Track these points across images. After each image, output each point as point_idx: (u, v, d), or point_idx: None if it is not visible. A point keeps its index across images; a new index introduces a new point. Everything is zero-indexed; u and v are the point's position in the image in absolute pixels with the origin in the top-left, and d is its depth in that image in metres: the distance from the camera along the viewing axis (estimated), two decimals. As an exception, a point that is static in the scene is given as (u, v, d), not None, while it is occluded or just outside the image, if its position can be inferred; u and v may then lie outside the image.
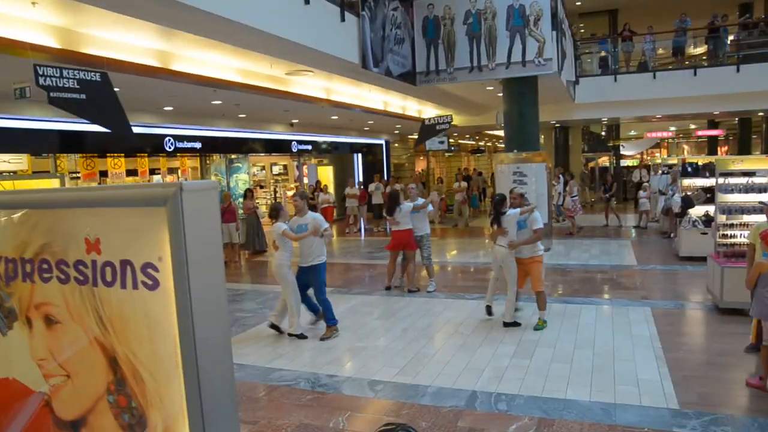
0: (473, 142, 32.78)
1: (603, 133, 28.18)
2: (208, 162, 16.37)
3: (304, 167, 21.22)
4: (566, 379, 5.53)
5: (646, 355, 6.04)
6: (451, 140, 28.43)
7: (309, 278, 7.34)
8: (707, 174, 10.87)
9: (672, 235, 12.83)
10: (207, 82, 9.37)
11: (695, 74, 17.35)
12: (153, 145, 13.62)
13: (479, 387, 5.41)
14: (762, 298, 5.02)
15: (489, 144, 34.48)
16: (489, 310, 7.61)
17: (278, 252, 7.25)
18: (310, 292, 7.54)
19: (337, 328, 7.33)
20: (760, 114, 21.01)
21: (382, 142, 24.67)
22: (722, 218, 7.49)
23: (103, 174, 13.10)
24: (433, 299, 9.03)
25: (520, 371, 5.77)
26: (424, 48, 13.18)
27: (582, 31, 24.72)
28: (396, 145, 26.60)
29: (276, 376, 6.00)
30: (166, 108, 12.08)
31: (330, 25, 9.05)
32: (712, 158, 11.73)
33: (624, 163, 28.91)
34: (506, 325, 7.30)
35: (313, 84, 11.93)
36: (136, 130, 8.23)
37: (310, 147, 19.70)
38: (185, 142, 14.21)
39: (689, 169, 11.02)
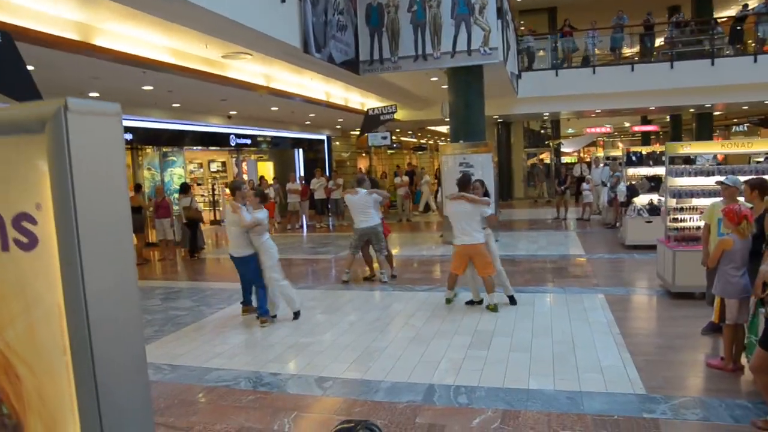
0: (415, 140, 32.67)
1: (542, 131, 28.66)
2: (140, 156, 15.34)
3: (244, 163, 20.40)
4: (527, 368, 5.20)
5: (605, 342, 5.81)
6: (393, 137, 28.34)
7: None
8: (651, 163, 10.93)
9: (617, 224, 12.92)
10: (135, 62, 8.59)
11: (632, 70, 17.73)
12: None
13: (436, 380, 5.00)
14: (725, 275, 4.85)
15: (431, 142, 34.50)
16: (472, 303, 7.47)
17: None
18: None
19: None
20: (691, 110, 21.76)
21: (324, 137, 24.10)
22: (672, 202, 7.41)
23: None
24: (381, 292, 8.61)
25: (478, 362, 5.41)
26: (367, 36, 12.75)
27: (522, 28, 24.97)
28: (338, 143, 26.08)
29: (213, 376, 5.40)
30: (91, 94, 11.11)
31: (270, 4, 8.47)
32: (654, 147, 11.87)
33: (563, 160, 29.48)
34: (513, 300, 7.32)
35: (251, 70, 11.28)
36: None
37: (249, 141, 18.91)
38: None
39: (633, 159, 11.06)
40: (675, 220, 7.42)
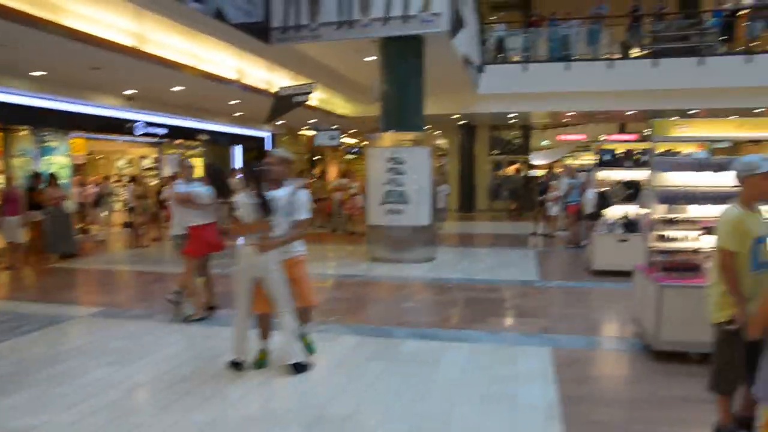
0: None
1: (515, 140, 26.16)
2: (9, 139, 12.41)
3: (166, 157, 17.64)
4: None
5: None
6: (349, 139, 25.69)
7: None
8: (629, 164, 8.36)
9: (583, 243, 10.34)
10: None
11: (612, 66, 15.36)
12: None
13: None
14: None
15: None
16: (239, 366, 4.52)
17: None
18: None
19: None
20: (674, 119, 19.40)
21: (266, 135, 21.36)
22: (661, 210, 4.79)
23: None
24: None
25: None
26: (281, -4, 10.13)
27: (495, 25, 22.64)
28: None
29: None
30: None
31: None
32: (633, 145, 9.29)
33: (533, 173, 26.99)
34: (299, 369, 4.40)
35: (110, 22, 8.49)
36: None
37: (163, 131, 16.03)
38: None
39: (606, 158, 8.51)
40: (663, 238, 4.80)
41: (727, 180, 4.01)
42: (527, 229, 14.15)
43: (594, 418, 3.62)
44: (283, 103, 10.32)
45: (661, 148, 5.27)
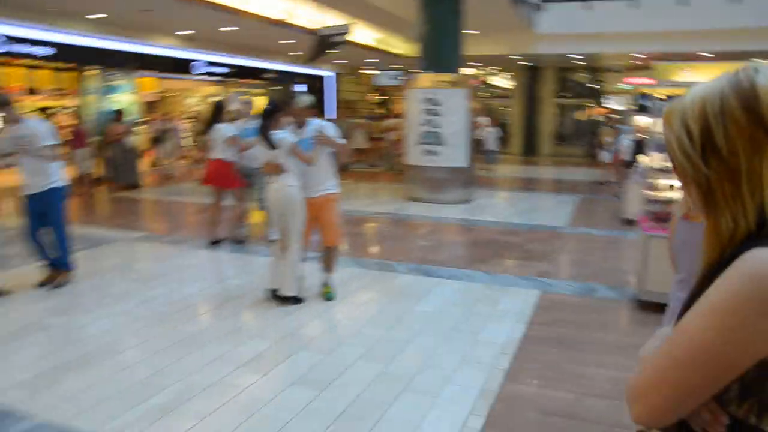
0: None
1: (590, 83, 24.89)
2: (83, 77, 13.33)
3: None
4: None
5: (466, 389, 3.36)
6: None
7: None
8: (669, 110, 7.95)
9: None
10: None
11: (686, 3, 14.22)
12: None
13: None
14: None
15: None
16: (276, 295, 4.80)
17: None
18: None
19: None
20: (677, 63, 17.58)
21: (330, 74, 21.56)
22: (658, 158, 4.70)
23: None
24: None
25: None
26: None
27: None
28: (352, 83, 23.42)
29: None
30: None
31: None
32: (674, 89, 8.73)
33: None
34: (284, 300, 4.68)
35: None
36: None
37: (225, 70, 16.59)
38: (27, 45, 11.16)
39: (646, 103, 8.12)
40: (654, 188, 4.72)
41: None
42: (589, 175, 13.77)
43: (541, 357, 3.78)
44: (323, 44, 10.44)
45: (663, 93, 5.07)
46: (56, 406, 3.09)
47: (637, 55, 17.48)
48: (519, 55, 17.92)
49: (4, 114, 4.91)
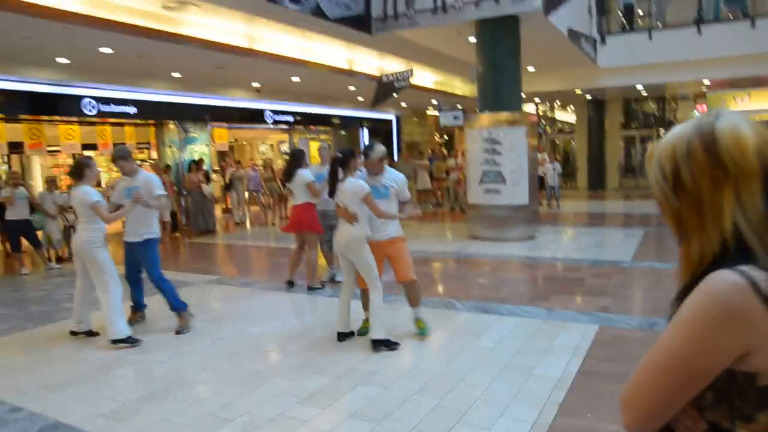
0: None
1: (656, 113, 24.28)
2: (162, 131, 14.43)
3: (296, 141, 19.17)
4: None
5: (515, 424, 3.42)
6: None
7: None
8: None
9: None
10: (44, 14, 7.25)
11: (753, 26, 13.85)
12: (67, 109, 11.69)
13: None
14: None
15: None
16: (343, 337, 5.00)
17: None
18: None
19: (189, 312, 5.58)
20: (730, 91, 16.77)
21: (391, 117, 22.17)
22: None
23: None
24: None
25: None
26: (378, -13, 10.66)
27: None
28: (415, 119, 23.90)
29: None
30: (59, 59, 10.11)
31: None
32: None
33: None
34: (375, 344, 4.71)
35: (231, 29, 9.63)
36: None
37: (291, 118, 17.45)
38: (112, 105, 12.27)
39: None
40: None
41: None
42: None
43: (596, 391, 3.77)
44: (386, 89, 10.89)
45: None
46: (137, 434, 3.40)
47: (705, 81, 17.02)
48: (581, 90, 17.86)
49: (123, 165, 5.42)
